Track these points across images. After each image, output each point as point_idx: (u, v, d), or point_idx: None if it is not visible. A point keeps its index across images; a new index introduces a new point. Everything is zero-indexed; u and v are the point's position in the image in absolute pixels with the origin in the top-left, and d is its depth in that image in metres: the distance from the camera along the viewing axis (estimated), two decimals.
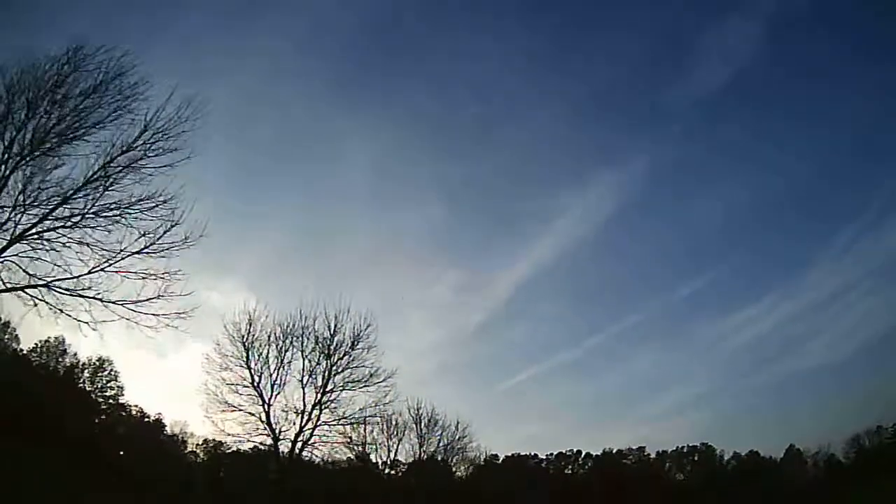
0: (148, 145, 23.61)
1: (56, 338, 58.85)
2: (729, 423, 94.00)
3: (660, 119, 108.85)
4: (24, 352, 55.75)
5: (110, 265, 23.36)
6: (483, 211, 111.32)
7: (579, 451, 78.95)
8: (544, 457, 79.16)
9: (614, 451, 78.59)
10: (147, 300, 23.02)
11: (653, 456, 78.54)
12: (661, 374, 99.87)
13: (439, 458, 55.35)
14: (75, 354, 60.69)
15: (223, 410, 35.79)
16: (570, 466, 78.30)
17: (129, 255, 22.93)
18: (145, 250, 23.67)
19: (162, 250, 23.28)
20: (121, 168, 23.47)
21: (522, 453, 78.91)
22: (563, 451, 78.72)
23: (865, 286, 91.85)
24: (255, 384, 36.82)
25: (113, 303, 23.49)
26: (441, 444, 52.53)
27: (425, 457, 52.94)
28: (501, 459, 74.55)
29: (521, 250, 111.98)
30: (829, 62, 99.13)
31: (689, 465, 76.77)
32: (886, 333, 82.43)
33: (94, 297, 22.87)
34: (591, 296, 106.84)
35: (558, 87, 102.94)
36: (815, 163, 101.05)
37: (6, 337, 50.22)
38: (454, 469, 61.43)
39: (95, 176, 23.28)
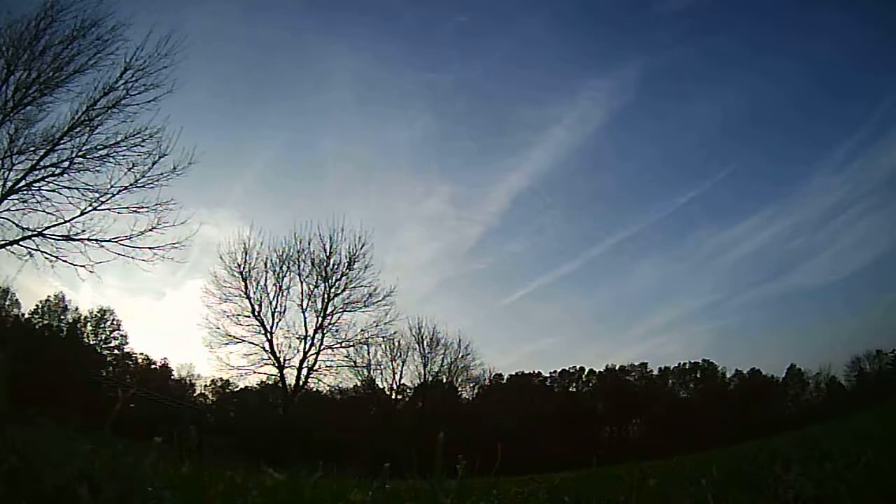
0: (129, 84, 22.95)
1: (56, 295, 58.57)
2: (729, 338, 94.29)
3: (651, 26, 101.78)
4: (26, 316, 55.27)
5: (102, 204, 22.58)
6: (473, 123, 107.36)
7: (583, 368, 79.40)
8: (548, 374, 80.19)
9: (617, 368, 78.90)
10: (140, 234, 22.71)
11: (655, 372, 78.82)
12: (660, 287, 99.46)
13: (444, 380, 55.89)
14: (76, 309, 60.87)
15: (226, 343, 35.90)
16: (574, 384, 79.57)
17: (119, 191, 22.29)
18: (136, 184, 22.82)
19: (152, 182, 22.61)
20: (105, 109, 22.56)
21: (526, 372, 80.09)
22: (567, 369, 79.29)
23: (866, 203, 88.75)
24: (256, 313, 36.71)
25: (108, 241, 22.79)
26: (445, 364, 52.85)
27: (430, 378, 53.35)
28: (506, 379, 76.07)
29: (515, 162, 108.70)
30: None
31: (691, 383, 77.88)
32: (887, 253, 79.94)
33: (88, 239, 22.21)
34: (589, 207, 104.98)
35: None
36: (816, 73, 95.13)
37: (7, 303, 49.52)
38: (459, 390, 62.41)
39: (80, 120, 22.30)
